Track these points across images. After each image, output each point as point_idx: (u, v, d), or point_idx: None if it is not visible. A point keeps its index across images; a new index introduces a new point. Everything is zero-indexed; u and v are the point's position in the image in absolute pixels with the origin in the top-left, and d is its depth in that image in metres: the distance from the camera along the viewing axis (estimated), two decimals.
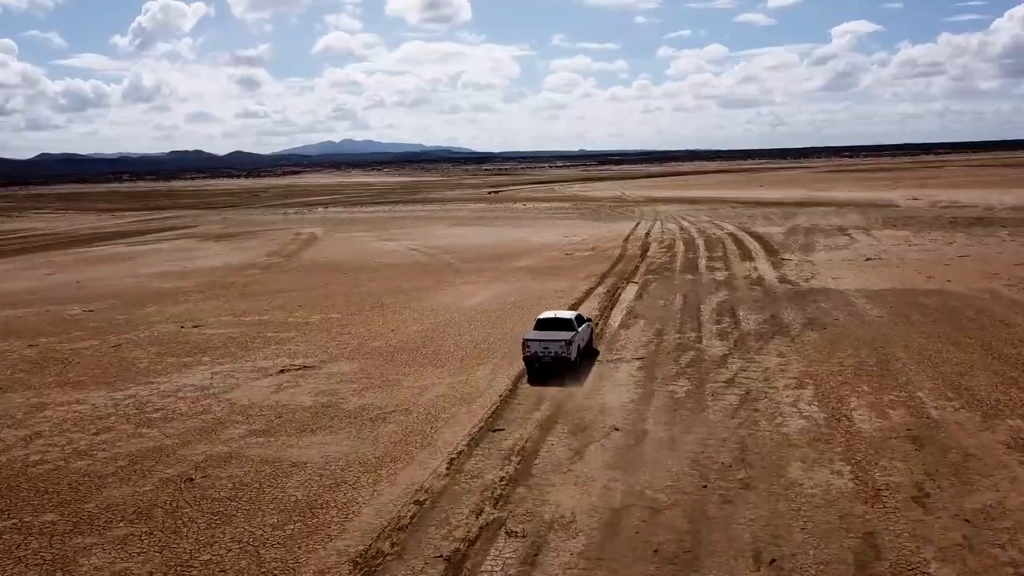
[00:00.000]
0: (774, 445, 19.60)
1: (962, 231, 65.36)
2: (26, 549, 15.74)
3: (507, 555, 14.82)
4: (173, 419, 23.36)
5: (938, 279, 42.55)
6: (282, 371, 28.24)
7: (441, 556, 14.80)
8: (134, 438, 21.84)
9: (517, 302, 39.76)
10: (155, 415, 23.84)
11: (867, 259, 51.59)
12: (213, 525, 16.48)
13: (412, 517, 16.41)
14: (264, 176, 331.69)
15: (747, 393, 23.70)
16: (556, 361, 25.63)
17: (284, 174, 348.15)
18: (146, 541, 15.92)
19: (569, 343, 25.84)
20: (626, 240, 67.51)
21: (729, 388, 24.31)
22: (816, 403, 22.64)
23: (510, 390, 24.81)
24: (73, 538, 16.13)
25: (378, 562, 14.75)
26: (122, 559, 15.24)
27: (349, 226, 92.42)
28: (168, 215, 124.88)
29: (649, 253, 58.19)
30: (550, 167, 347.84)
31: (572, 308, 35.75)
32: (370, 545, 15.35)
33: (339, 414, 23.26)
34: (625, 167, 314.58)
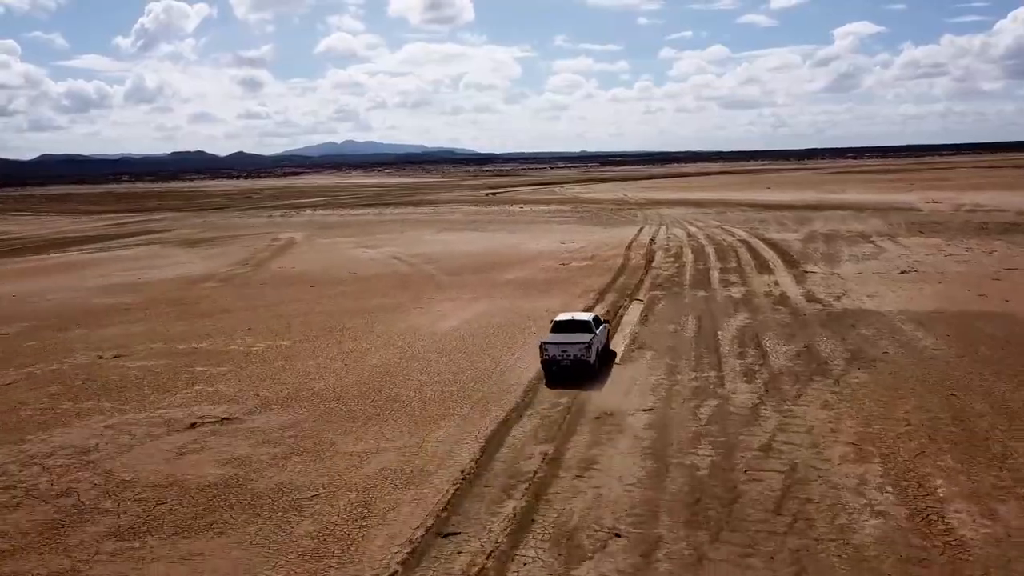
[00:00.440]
0: (846, 571, 13.57)
1: (999, 238, 59.18)
2: None
3: None
4: (17, 507, 17.33)
5: (993, 298, 36.47)
6: (193, 425, 22.22)
7: None
8: None
9: (500, 326, 33.77)
10: None
11: (901, 272, 45.50)
12: None
13: None
14: (264, 177, 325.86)
15: (792, 469, 17.68)
16: (575, 364, 24.97)
17: (284, 175, 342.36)
18: None
19: (588, 346, 25.21)
20: (628, 247, 61.42)
21: (767, 459, 18.29)
22: (890, 488, 16.62)
23: (476, 461, 18.77)
24: None
25: None
26: None
27: (333, 230, 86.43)
28: (151, 217, 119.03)
29: (654, 263, 52.12)
30: (551, 168, 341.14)
31: None
32: None
33: (243, 500, 17.24)
34: (627, 168, 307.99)
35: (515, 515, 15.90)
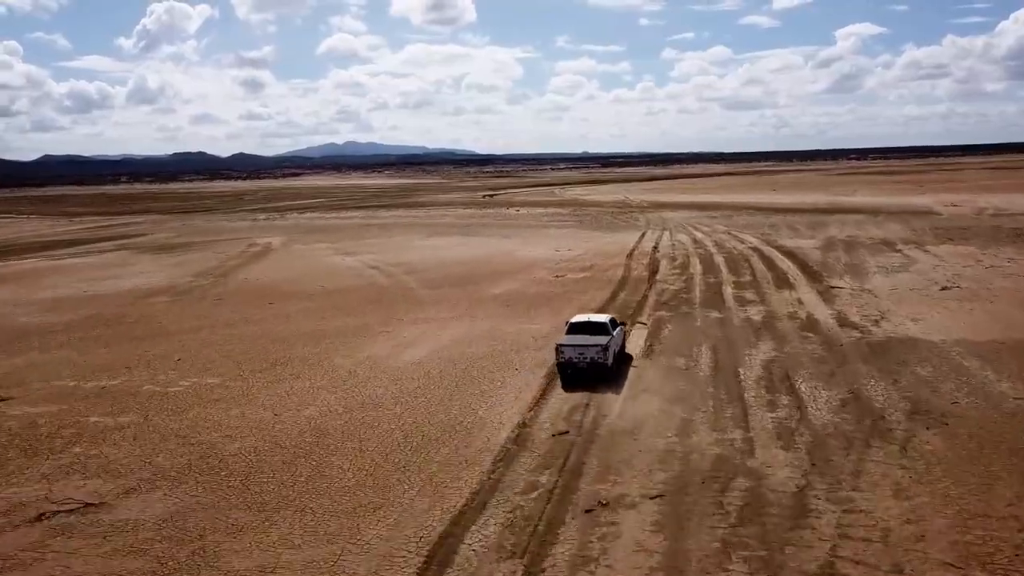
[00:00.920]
0: None
1: None
2: None
3: None
4: None
5: None
6: (42, 516, 16.57)
7: None
8: None
9: (475, 359, 28.13)
10: None
11: (942, 288, 39.76)
12: None
13: None
14: (263, 178, 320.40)
15: None
16: (592, 367, 24.36)
17: (284, 176, 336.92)
18: None
19: (605, 348, 24.58)
20: (630, 256, 55.72)
21: None
22: None
23: None
24: None
25: None
26: None
27: (315, 235, 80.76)
28: (132, 220, 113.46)
29: (659, 276, 46.41)
30: (552, 169, 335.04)
31: (546, 376, 24.58)
32: None
33: None
34: (628, 169, 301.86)
35: None
